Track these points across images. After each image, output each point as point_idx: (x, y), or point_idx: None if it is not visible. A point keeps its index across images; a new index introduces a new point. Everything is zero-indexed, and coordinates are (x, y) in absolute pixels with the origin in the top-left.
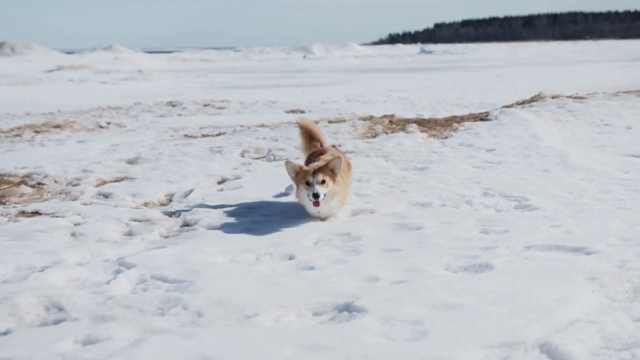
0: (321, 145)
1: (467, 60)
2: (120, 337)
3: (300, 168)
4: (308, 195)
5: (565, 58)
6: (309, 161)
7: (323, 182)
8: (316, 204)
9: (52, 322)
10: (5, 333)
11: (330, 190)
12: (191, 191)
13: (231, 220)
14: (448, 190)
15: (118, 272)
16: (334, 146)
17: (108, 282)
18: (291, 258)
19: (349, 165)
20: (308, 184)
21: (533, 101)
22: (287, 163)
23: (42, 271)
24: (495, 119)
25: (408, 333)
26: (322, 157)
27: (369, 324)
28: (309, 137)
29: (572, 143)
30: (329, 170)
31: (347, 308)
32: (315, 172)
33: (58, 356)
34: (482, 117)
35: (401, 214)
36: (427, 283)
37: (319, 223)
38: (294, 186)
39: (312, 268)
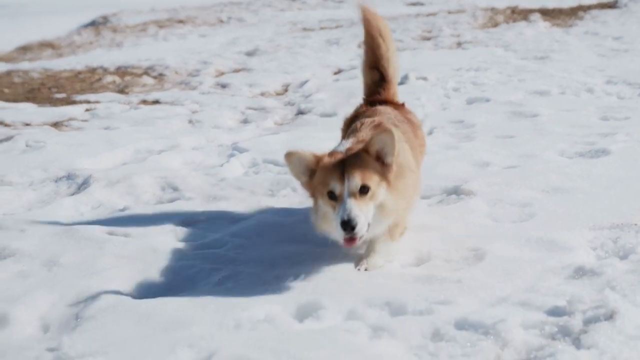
0: (383, 88)
1: None
2: (229, 215)
3: (316, 161)
4: (335, 222)
5: None
6: (347, 129)
7: (364, 190)
8: (351, 241)
9: (167, 201)
10: (124, 209)
11: (382, 206)
12: (306, 81)
13: (344, 108)
14: (569, 79)
15: (231, 156)
16: (397, 105)
17: (221, 165)
18: None
19: (417, 134)
20: (333, 197)
21: None
22: (289, 156)
23: (159, 154)
24: (625, 6)
25: (515, 215)
26: (359, 131)
27: (476, 206)
28: (373, 47)
29: None
30: (373, 160)
31: (456, 191)
32: (345, 169)
33: (171, 232)
34: (611, 5)
35: (517, 102)
36: (539, 168)
37: (434, 111)
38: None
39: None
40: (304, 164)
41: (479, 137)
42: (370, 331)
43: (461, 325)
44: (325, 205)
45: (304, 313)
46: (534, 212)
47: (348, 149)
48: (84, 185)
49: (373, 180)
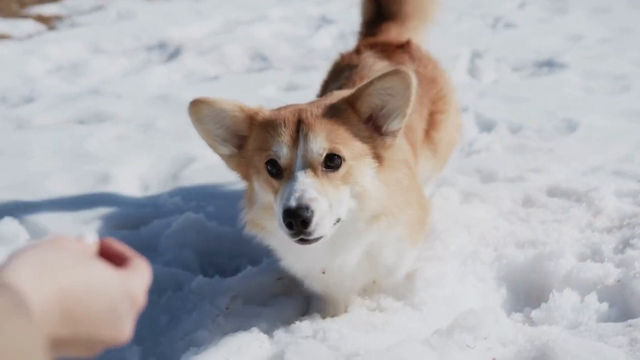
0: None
1: None
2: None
3: (248, 118)
4: (276, 211)
5: None
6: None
7: (333, 161)
8: (304, 243)
9: (256, 70)
10: (215, 78)
11: (363, 197)
12: None
13: None
14: None
15: (319, 27)
16: (404, 45)
17: (310, 36)
18: (493, 18)
19: (439, 97)
20: (275, 170)
21: None
22: (197, 106)
23: (248, 25)
24: None
25: (609, 87)
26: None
27: (569, 78)
28: None
29: None
30: (359, 120)
31: (548, 64)
32: (303, 123)
33: (263, 99)
34: None
35: None
36: (636, 41)
37: None
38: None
39: (514, 27)
40: (226, 122)
41: (573, 10)
42: (461, 196)
43: (553, 192)
44: (264, 188)
45: None
46: (629, 85)
47: (321, 102)
48: (175, 53)
49: (351, 148)
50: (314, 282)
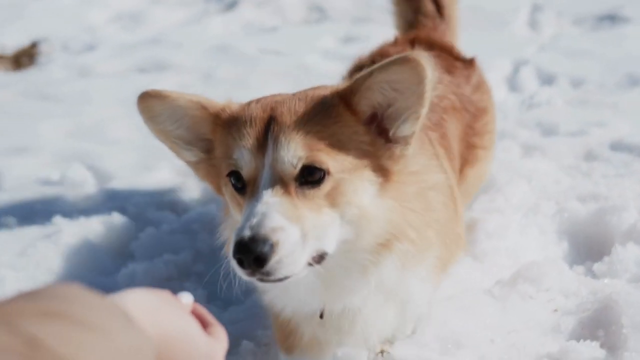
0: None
1: None
2: (377, 36)
3: (213, 115)
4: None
5: None
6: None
7: (312, 174)
8: (261, 280)
9: (314, 22)
10: (273, 29)
11: (361, 222)
12: None
13: None
14: None
15: None
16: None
17: None
18: None
19: (486, 131)
20: (239, 185)
21: None
22: (146, 100)
23: None
24: None
25: None
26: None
27: (632, 32)
28: None
29: None
30: (355, 121)
31: (610, 18)
32: (274, 123)
33: (320, 50)
34: None
35: None
36: None
37: None
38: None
39: None
40: (185, 122)
41: None
42: (521, 150)
43: (615, 146)
44: (232, 206)
45: None
46: None
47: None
48: (232, 4)
49: (341, 158)
50: (307, 326)
